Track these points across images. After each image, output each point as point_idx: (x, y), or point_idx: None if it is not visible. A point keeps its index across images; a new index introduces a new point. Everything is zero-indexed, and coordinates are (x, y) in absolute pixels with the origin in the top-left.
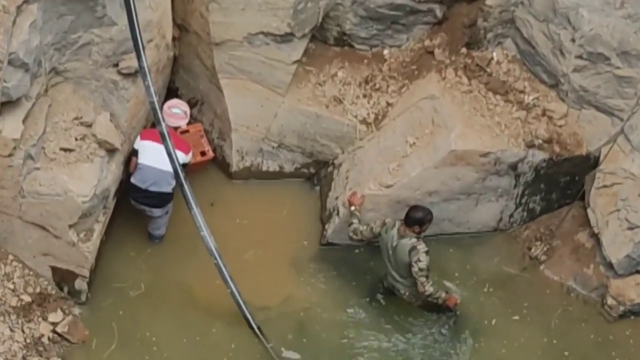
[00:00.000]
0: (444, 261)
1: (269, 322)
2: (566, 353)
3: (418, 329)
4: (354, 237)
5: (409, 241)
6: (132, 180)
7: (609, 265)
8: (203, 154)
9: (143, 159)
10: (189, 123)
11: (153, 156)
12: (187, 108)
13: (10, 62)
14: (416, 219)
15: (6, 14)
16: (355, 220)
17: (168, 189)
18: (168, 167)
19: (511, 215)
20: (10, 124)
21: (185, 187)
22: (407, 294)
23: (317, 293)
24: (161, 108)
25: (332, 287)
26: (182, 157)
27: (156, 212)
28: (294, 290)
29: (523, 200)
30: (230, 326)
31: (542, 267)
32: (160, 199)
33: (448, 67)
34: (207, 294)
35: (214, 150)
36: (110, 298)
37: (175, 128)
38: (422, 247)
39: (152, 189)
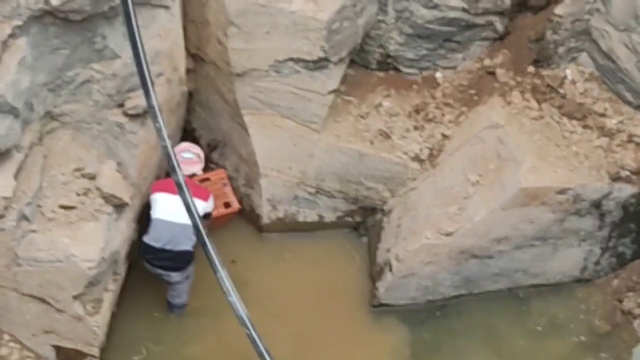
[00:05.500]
0: (521, 320)
1: None
2: None
3: None
4: None
5: None
6: (145, 239)
7: None
8: (227, 205)
9: (156, 212)
10: (209, 169)
11: (168, 208)
12: (199, 150)
13: None
14: None
15: None
16: None
17: (188, 246)
18: (187, 220)
19: (597, 262)
20: (0, 180)
21: (208, 245)
22: None
23: None
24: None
25: None
26: (201, 206)
27: (175, 276)
28: None
29: (610, 244)
30: None
31: (636, 322)
32: (179, 260)
33: (513, 89)
34: None
35: (241, 201)
36: None
37: (190, 176)
38: None
39: (169, 247)
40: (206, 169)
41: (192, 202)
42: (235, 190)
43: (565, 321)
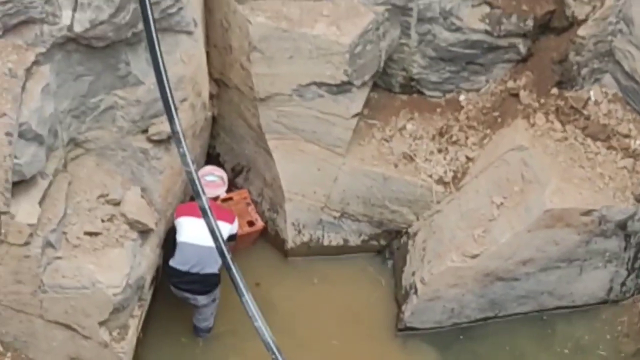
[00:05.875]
0: (547, 342)
1: None
2: None
3: None
4: None
5: None
6: (171, 262)
7: None
8: (251, 223)
9: (182, 236)
10: (231, 190)
11: (193, 231)
12: (222, 173)
13: (21, 135)
14: None
15: (14, 78)
16: None
17: (214, 268)
18: (213, 242)
19: (623, 284)
20: (25, 207)
21: (234, 270)
22: None
23: None
24: None
25: None
26: (226, 228)
27: (201, 299)
28: None
29: (636, 265)
30: None
31: None
32: (206, 283)
33: (537, 111)
34: None
35: (265, 224)
36: None
37: (214, 198)
38: None
39: (195, 270)
40: (229, 192)
41: (217, 227)
42: (260, 215)
43: (591, 343)
